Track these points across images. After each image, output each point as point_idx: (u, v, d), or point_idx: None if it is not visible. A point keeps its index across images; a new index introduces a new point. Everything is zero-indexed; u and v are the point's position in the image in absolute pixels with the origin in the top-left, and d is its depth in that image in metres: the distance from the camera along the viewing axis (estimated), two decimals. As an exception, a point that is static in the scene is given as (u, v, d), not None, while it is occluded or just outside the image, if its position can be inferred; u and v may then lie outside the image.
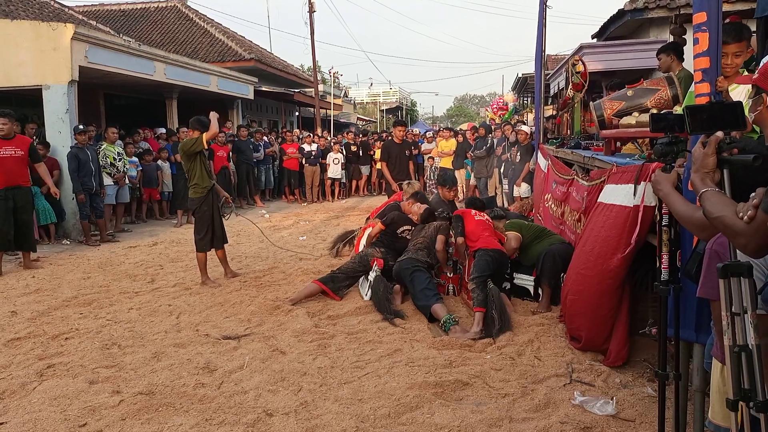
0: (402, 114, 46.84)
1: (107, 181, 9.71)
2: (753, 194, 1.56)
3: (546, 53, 8.66)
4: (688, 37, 5.71)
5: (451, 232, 5.86)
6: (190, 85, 13.85)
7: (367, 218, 7.29)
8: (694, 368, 3.00)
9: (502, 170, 11.90)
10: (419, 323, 4.89)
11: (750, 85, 2.05)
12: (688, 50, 3.93)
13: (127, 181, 10.23)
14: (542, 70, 8.51)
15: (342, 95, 34.71)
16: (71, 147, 9.05)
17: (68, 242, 9.20)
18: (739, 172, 1.83)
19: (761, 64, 1.84)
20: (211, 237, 6.39)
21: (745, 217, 1.47)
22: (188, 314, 5.29)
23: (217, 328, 4.85)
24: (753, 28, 5.84)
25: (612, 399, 3.39)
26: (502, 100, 24.68)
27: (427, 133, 19.65)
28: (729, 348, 1.72)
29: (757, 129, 2.10)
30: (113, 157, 9.88)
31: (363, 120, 39.20)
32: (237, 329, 4.82)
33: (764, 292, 1.51)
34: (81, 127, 9.16)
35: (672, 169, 2.26)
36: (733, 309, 1.70)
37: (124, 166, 10.13)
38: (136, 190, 10.90)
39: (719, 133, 1.81)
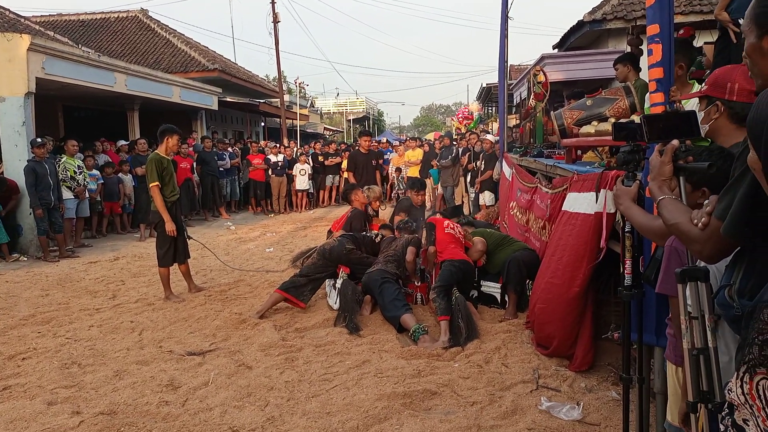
0: (369, 124, 46.93)
1: (67, 194, 9.45)
2: (706, 201, 1.60)
3: (509, 64, 8.81)
4: (645, 47, 5.88)
5: (423, 242, 5.92)
6: (152, 96, 13.63)
7: (329, 231, 7.29)
8: (655, 371, 3.06)
9: (468, 179, 12.03)
10: (388, 333, 4.88)
11: (697, 99, 2.11)
12: (645, 60, 4.05)
13: (87, 194, 9.97)
14: (505, 81, 8.65)
15: (308, 105, 34.64)
16: (28, 161, 8.79)
17: (25, 259, 8.91)
18: (695, 179, 1.88)
19: (708, 77, 1.90)
20: (174, 251, 6.27)
21: (699, 224, 1.50)
22: (151, 330, 5.17)
23: (181, 344, 4.75)
24: (707, 39, 6.06)
25: (578, 404, 3.44)
26: (467, 110, 24.99)
27: (395, 142, 19.76)
28: (688, 351, 1.75)
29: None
30: (73, 171, 9.63)
31: (330, 130, 39.15)
32: (202, 345, 4.73)
33: (718, 296, 1.55)
34: (39, 140, 8.91)
35: (635, 178, 2.31)
36: (690, 313, 1.74)
37: (85, 179, 9.89)
38: (97, 204, 10.62)
39: (675, 142, 1.86)
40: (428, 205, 13.76)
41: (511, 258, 5.32)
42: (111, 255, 9.14)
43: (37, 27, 15.20)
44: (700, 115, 2.02)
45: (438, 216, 6.43)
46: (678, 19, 9.57)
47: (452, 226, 5.74)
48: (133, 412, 3.50)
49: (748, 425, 1.13)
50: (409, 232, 6.18)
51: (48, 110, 12.56)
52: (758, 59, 1.35)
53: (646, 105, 3.59)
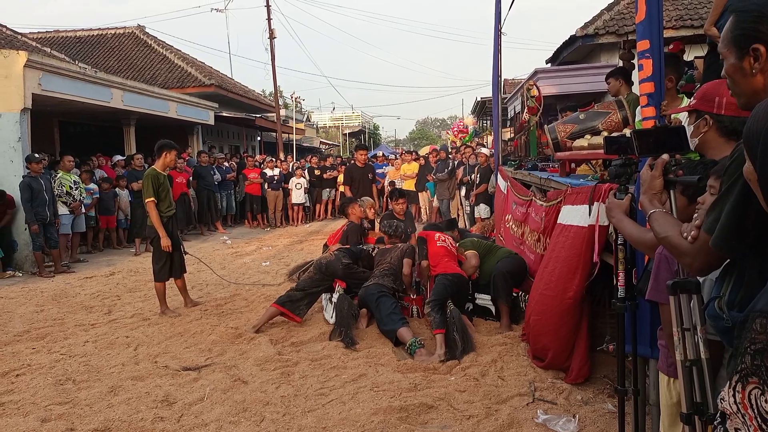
0: (365, 138, 47.05)
1: (63, 210, 9.43)
2: (695, 214, 1.62)
3: (502, 78, 8.89)
4: (636, 61, 5.94)
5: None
6: (148, 112, 13.66)
7: (325, 245, 7.29)
8: (650, 383, 3.06)
9: (463, 192, 12.07)
10: (384, 347, 4.87)
11: (686, 113, 2.15)
12: (636, 74, 4.09)
13: (82, 209, 9.95)
14: (499, 95, 8.71)
15: (304, 120, 34.72)
16: (23, 176, 8.79)
17: (20, 274, 8.87)
18: (690, 192, 1.90)
19: (696, 92, 1.92)
20: (170, 266, 6.26)
21: (689, 237, 1.52)
22: (147, 346, 5.15)
23: (176, 359, 4.73)
24: (698, 53, 6.13)
25: (574, 416, 3.43)
26: (462, 123, 25.06)
27: (390, 156, 19.84)
28: (681, 363, 1.77)
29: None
30: (69, 186, 9.62)
31: (326, 144, 39.23)
32: (197, 360, 4.71)
33: (708, 308, 1.56)
34: (37, 156, 8.92)
35: (626, 191, 2.33)
36: (683, 325, 1.76)
37: (81, 195, 9.87)
38: (91, 219, 10.58)
39: (665, 156, 1.88)
40: (424, 218, 13.82)
41: (495, 272, 5.38)
42: (107, 270, 9.11)
43: (33, 44, 15.24)
44: (689, 129, 2.05)
45: (429, 229, 6.41)
46: (669, 33, 9.69)
47: (443, 238, 5.76)
48: (127, 428, 3.48)
49: (740, 434, 1.14)
50: (398, 236, 6.17)
51: (44, 126, 12.57)
52: (740, 79, 1.38)
53: (637, 118, 3.63)
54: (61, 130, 14.16)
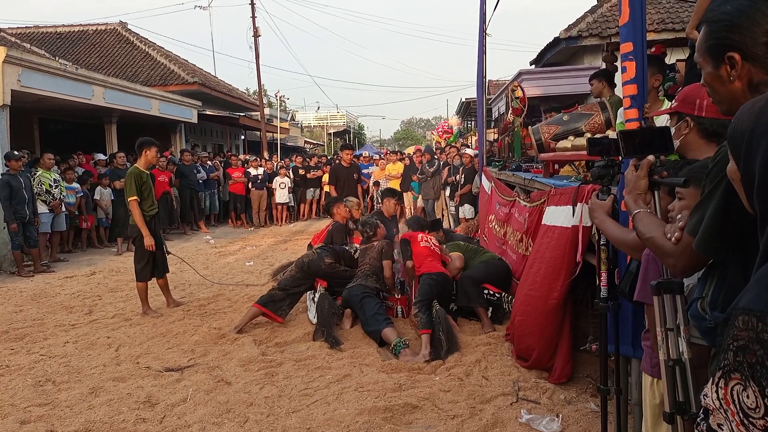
0: (350, 137, 46.97)
1: (42, 208, 9.29)
2: (679, 216, 1.64)
3: (487, 79, 8.92)
4: (619, 63, 5.99)
5: (397, 256, 5.93)
6: (130, 110, 13.51)
7: (309, 245, 7.27)
8: (632, 382, 3.10)
9: (447, 193, 12.11)
10: (369, 347, 4.86)
11: (668, 115, 2.17)
12: (619, 76, 4.13)
13: (63, 208, 9.80)
14: (484, 96, 8.74)
15: (289, 119, 34.57)
16: (2, 174, 8.64)
17: (-2, 274, 8.73)
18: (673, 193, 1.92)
19: (678, 94, 1.94)
20: (153, 266, 6.20)
21: (672, 239, 1.54)
22: (128, 346, 5.09)
23: (158, 360, 4.69)
24: (680, 56, 6.20)
25: (557, 416, 3.46)
26: (447, 124, 25.15)
27: (375, 156, 19.82)
28: (664, 362, 1.79)
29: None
30: (49, 184, 9.47)
31: (311, 143, 39.12)
32: (180, 360, 4.67)
33: (691, 308, 1.58)
34: (16, 153, 8.77)
35: (609, 192, 2.35)
36: (667, 325, 1.78)
37: (61, 193, 9.72)
38: (75, 218, 10.43)
39: (650, 157, 1.90)
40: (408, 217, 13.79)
41: (461, 277, 5.47)
42: (87, 270, 8.99)
43: (13, 39, 15.03)
44: (672, 131, 2.07)
45: (411, 230, 6.38)
46: (651, 36, 9.80)
47: (427, 238, 5.78)
48: (109, 430, 3.44)
49: (723, 429, 1.16)
50: (372, 230, 6.11)
51: (23, 123, 12.38)
52: (719, 87, 1.40)
53: (619, 120, 3.66)
54: (41, 128, 13.96)
